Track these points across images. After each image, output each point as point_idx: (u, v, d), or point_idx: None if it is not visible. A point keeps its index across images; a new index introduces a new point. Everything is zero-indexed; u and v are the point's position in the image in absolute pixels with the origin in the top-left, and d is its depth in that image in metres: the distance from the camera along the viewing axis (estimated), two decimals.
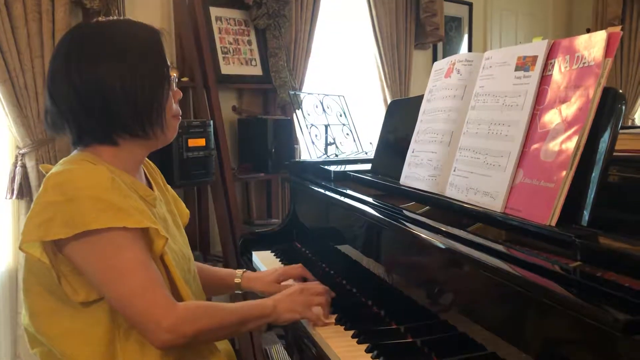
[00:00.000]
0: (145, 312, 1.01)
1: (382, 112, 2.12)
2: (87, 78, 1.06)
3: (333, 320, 1.22)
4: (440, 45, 3.91)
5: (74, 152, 1.13)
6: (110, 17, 1.22)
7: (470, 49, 4.06)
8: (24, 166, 2.29)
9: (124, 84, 1.07)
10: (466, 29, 4.09)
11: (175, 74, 1.18)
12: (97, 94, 1.06)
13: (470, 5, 4.08)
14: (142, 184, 1.17)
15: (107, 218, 0.98)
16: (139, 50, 1.10)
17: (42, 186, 1.02)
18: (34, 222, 1.00)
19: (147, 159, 1.24)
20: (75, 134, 1.11)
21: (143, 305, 1.01)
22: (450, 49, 3.96)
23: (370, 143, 2.26)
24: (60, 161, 1.10)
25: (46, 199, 1.00)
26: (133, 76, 1.08)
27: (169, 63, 1.15)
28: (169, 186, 1.35)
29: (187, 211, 1.37)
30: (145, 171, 1.26)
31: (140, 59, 1.10)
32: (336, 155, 2.32)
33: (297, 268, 1.43)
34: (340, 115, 2.52)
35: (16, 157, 2.29)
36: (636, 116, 4.28)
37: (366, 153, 2.28)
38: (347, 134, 2.49)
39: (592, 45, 0.93)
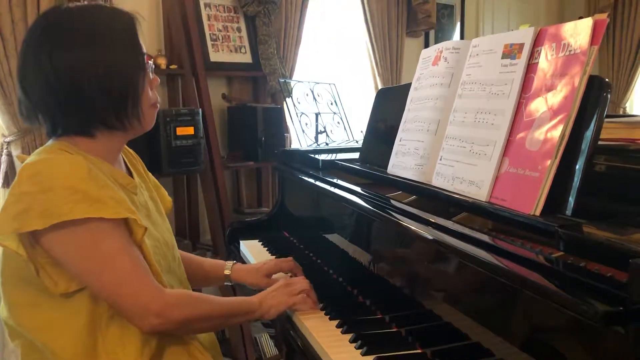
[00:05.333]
0: (132, 299, 1.01)
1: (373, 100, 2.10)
2: (57, 68, 1.01)
3: (320, 306, 1.23)
4: (432, 33, 3.89)
5: (50, 142, 1.10)
6: (81, 3, 1.17)
7: (462, 37, 4.03)
8: (9, 155, 2.26)
9: (96, 74, 1.02)
10: (458, 17, 4.06)
11: (151, 62, 1.13)
12: (69, 85, 1.02)
13: None
14: (121, 172, 1.14)
15: (83, 209, 0.96)
16: (110, 37, 1.05)
17: (17, 176, 1.00)
18: (9, 214, 0.98)
19: (126, 146, 1.22)
20: (50, 125, 1.08)
21: (130, 292, 1.01)
22: (442, 37, 3.93)
23: (361, 131, 2.24)
24: (36, 151, 1.07)
25: (21, 189, 0.98)
26: (105, 65, 1.03)
27: (144, 50, 1.10)
28: (150, 174, 1.32)
29: (169, 198, 1.35)
30: (125, 159, 1.23)
31: (112, 46, 1.05)
32: (327, 144, 2.30)
33: (288, 262, 1.40)
34: (331, 104, 2.49)
35: (1, 145, 2.27)
36: (627, 105, 4.28)
37: (357, 141, 2.27)
38: (338, 123, 2.46)
39: (578, 32, 0.92)
